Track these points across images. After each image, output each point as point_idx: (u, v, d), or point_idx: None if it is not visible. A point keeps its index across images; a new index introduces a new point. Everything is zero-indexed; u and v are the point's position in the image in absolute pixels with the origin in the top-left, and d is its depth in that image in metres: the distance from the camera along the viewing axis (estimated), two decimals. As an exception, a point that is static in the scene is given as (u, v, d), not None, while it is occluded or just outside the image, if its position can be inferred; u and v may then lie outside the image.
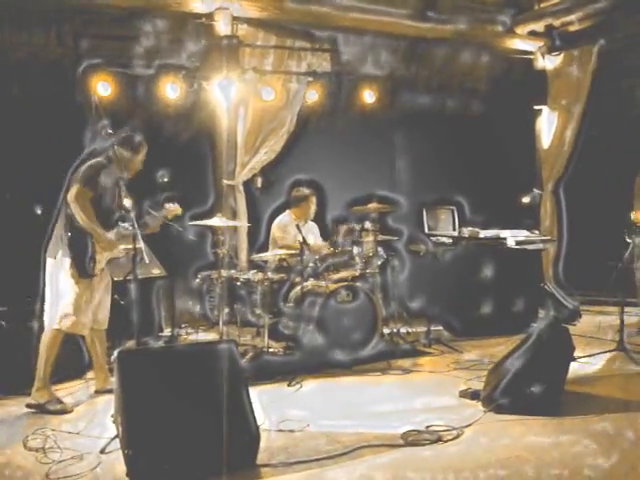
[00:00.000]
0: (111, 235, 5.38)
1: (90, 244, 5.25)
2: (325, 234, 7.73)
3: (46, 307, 5.35)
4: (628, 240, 6.92)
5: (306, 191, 7.59)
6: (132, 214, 5.04)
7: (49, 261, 5.34)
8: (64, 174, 5.38)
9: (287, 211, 7.64)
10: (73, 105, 6.84)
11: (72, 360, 5.84)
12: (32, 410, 5.18)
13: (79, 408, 5.29)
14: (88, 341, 5.63)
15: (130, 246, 5.12)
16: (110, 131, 5.09)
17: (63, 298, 5.27)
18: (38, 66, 7.37)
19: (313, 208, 7.60)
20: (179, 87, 7.63)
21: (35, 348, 5.30)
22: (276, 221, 7.58)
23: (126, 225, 5.34)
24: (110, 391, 4.83)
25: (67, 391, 5.66)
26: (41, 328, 5.36)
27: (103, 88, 7.29)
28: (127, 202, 5.10)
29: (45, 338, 5.30)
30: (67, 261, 5.25)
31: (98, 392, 5.60)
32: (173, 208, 5.69)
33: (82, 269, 5.25)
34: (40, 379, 5.25)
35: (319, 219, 7.88)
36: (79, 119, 5.90)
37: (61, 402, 5.27)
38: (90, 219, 5.20)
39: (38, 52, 7.42)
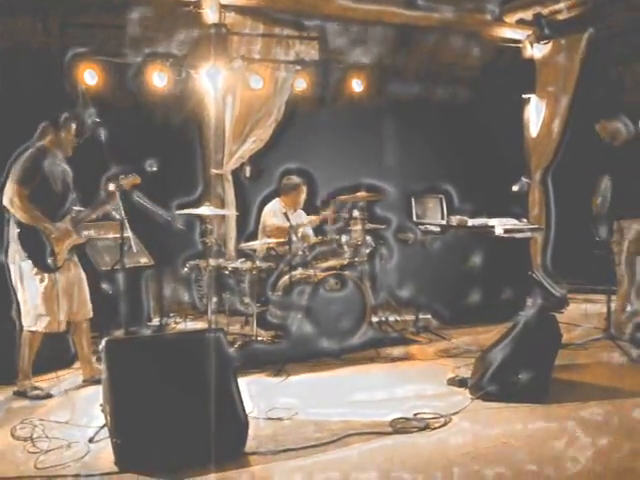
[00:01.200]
0: (64, 223, 5.32)
1: (45, 239, 5.19)
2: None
3: (21, 308, 5.34)
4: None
5: (297, 180, 7.58)
6: (119, 201, 5.04)
7: (11, 267, 5.29)
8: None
9: (277, 199, 7.63)
10: (60, 94, 6.80)
11: (59, 350, 5.81)
12: (17, 398, 5.30)
13: (67, 397, 5.27)
14: (72, 332, 5.62)
15: (117, 235, 5.14)
16: (97, 119, 5.07)
17: (33, 300, 5.26)
18: (24, 55, 7.31)
19: (303, 197, 7.60)
20: (167, 75, 7.61)
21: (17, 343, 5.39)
22: (266, 208, 7.57)
23: (80, 208, 5.40)
24: (98, 381, 4.82)
25: (54, 381, 5.62)
26: (21, 327, 5.38)
27: (90, 77, 7.27)
28: (112, 188, 5.12)
29: (24, 338, 5.36)
30: (27, 263, 5.21)
31: (86, 382, 5.60)
32: (130, 179, 5.43)
33: (43, 265, 5.22)
34: (22, 371, 5.38)
35: (308, 208, 7.89)
36: (66, 108, 5.88)
37: (39, 389, 5.37)
38: (33, 217, 5.14)
39: (24, 41, 7.36)
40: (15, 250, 5.23)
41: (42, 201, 5.19)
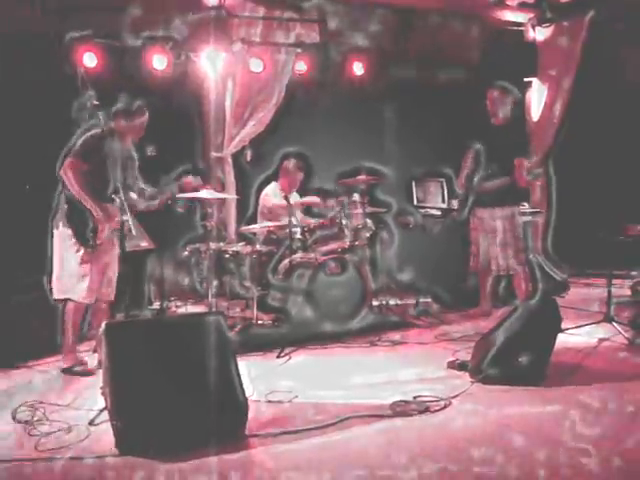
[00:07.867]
0: (112, 207, 5.33)
1: (90, 218, 5.30)
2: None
3: (54, 277, 5.43)
4: None
5: (295, 163, 7.60)
6: (119, 185, 5.05)
7: (55, 232, 5.42)
8: (52, 147, 5.45)
9: (274, 182, 7.65)
10: (59, 77, 6.77)
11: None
12: (17, 382, 5.35)
13: (68, 380, 5.31)
14: (91, 313, 5.66)
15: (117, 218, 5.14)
16: (96, 102, 5.06)
17: (71, 270, 5.36)
18: (23, 39, 7.26)
19: (299, 179, 7.65)
20: (166, 59, 7.56)
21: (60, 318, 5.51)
22: (264, 192, 7.60)
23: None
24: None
25: (58, 364, 5.63)
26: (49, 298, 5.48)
27: (89, 60, 7.22)
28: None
29: (67, 310, 5.44)
30: (69, 233, 5.33)
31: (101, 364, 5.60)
32: (191, 180, 5.88)
33: (83, 240, 5.31)
34: (66, 346, 5.49)
35: (307, 191, 7.89)
36: (65, 91, 5.87)
37: (84, 364, 5.51)
38: (83, 189, 5.24)
39: (23, 24, 7.30)
40: (60, 218, 5.38)
41: (96, 180, 5.30)
